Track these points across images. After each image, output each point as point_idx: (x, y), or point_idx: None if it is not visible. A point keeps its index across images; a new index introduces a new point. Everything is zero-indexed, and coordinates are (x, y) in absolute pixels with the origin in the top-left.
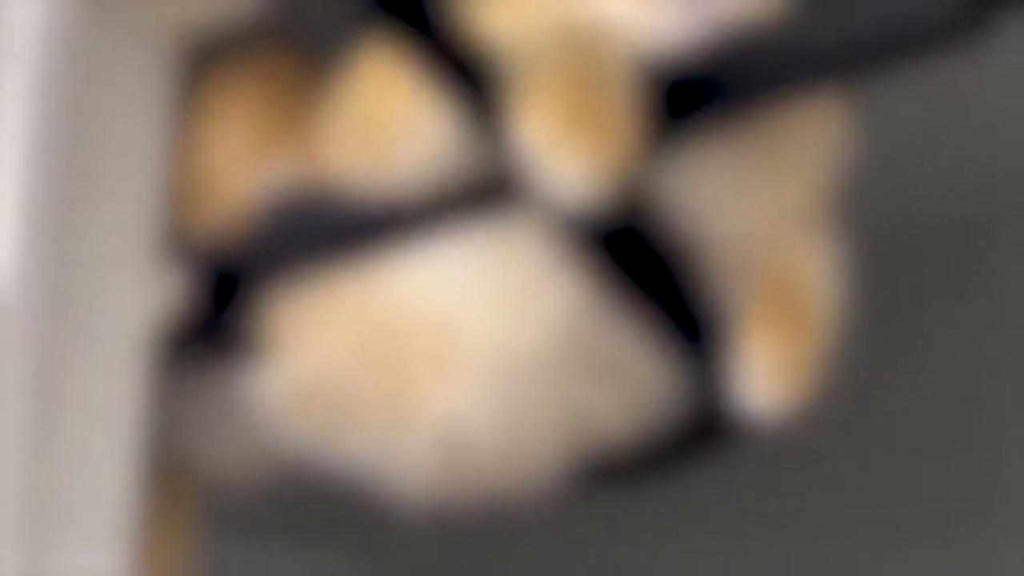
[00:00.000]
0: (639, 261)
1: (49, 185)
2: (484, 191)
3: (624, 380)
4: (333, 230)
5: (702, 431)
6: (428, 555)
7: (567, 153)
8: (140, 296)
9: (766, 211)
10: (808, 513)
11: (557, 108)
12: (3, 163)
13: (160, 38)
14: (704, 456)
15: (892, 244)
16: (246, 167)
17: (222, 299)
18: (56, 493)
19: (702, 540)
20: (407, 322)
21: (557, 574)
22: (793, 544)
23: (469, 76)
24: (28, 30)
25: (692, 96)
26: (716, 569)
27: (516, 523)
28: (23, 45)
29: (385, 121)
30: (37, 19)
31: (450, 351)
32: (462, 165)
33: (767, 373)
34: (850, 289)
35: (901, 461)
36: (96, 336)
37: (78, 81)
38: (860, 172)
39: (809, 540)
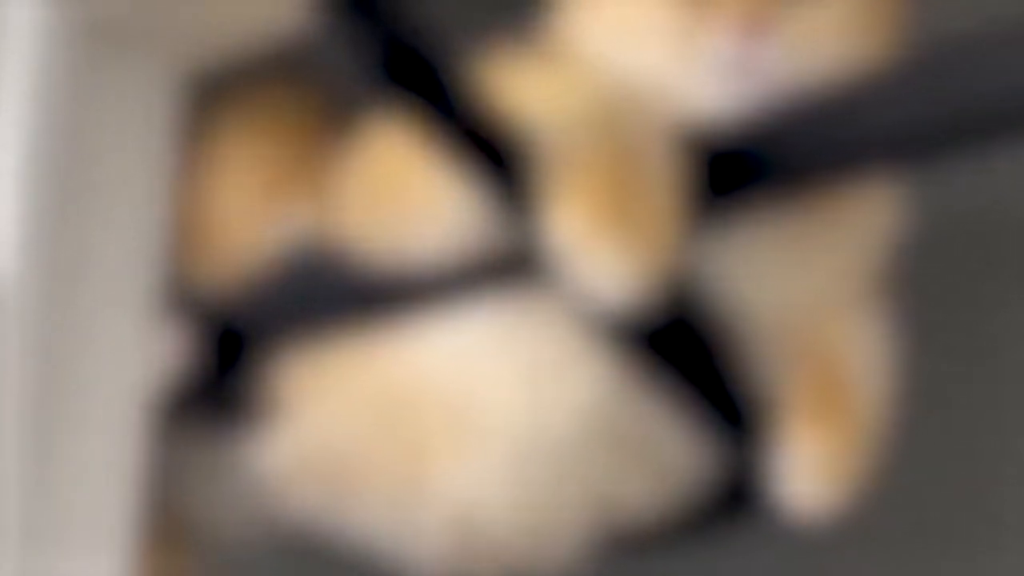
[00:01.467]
0: (675, 343)
1: (45, 228)
2: (509, 266)
3: (652, 463)
4: (346, 292)
5: (733, 510)
6: None
7: (602, 251)
8: (138, 351)
9: (812, 290)
10: None
11: (591, 200)
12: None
13: (165, 73)
14: (730, 532)
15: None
16: (254, 213)
17: (226, 356)
18: (50, 553)
19: None
20: (423, 395)
21: None
22: None
23: (491, 150)
24: (31, 63)
25: (738, 171)
26: None
27: None
28: (25, 79)
29: (401, 192)
30: (40, 54)
31: (468, 428)
32: (485, 239)
33: (812, 471)
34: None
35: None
36: (91, 394)
37: (78, 119)
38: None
39: None
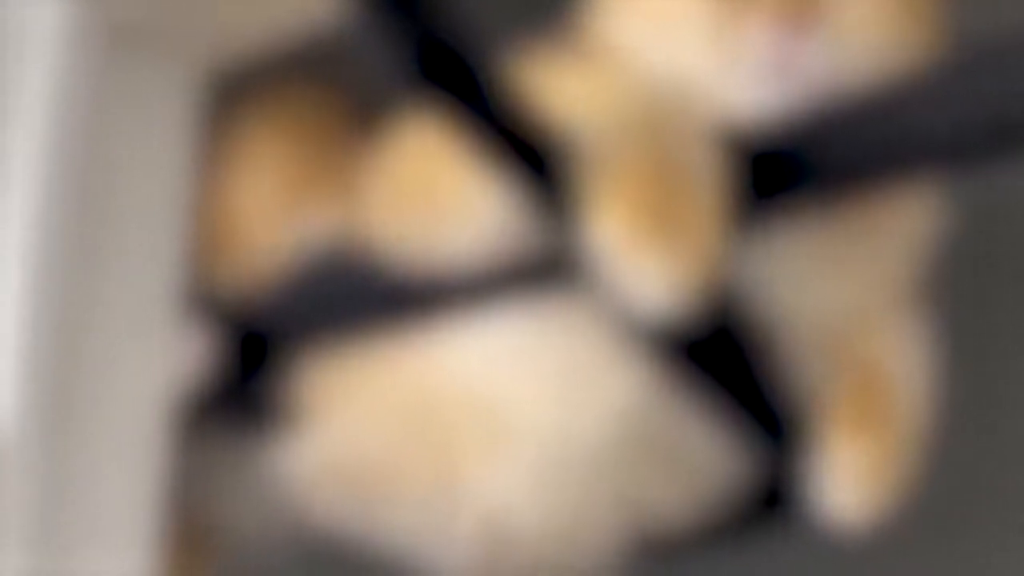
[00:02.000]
0: (713, 349)
1: (65, 232)
2: (542, 269)
3: (684, 470)
4: (373, 295)
5: (770, 518)
6: None
7: (645, 260)
8: (162, 355)
9: (853, 297)
10: None
11: (633, 204)
12: (21, 203)
13: (185, 76)
14: (762, 539)
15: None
16: (278, 214)
17: (250, 360)
18: (74, 556)
19: None
20: (453, 399)
21: None
22: None
23: (527, 151)
24: (51, 65)
25: (779, 172)
26: None
27: None
28: (45, 81)
29: (432, 193)
30: (58, 59)
31: (497, 432)
32: (518, 241)
33: (854, 480)
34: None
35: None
36: (116, 398)
37: (99, 120)
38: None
39: None
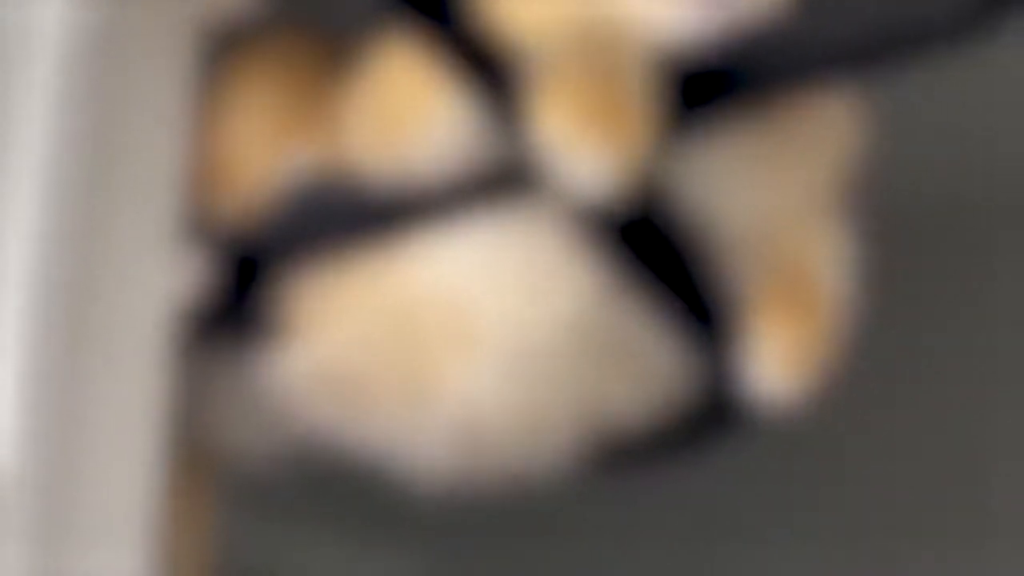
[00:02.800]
0: (653, 249)
1: (72, 174)
2: (502, 180)
3: (637, 365)
4: (352, 215)
5: (713, 417)
6: (443, 536)
7: (585, 146)
8: (162, 281)
9: (779, 200)
10: (814, 506)
11: (575, 102)
12: (29, 153)
13: (180, 25)
14: (714, 443)
15: (902, 232)
16: (267, 153)
17: (243, 283)
18: (79, 487)
19: (709, 532)
20: (425, 306)
21: (568, 561)
22: (799, 537)
23: (487, 67)
24: (48, 23)
25: (708, 87)
26: (722, 562)
27: (530, 506)
28: (43, 36)
29: (404, 110)
30: (56, 10)
31: (467, 334)
32: (480, 154)
33: (778, 358)
34: (861, 276)
35: (905, 457)
36: (118, 321)
37: (97, 71)
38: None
39: (815, 534)
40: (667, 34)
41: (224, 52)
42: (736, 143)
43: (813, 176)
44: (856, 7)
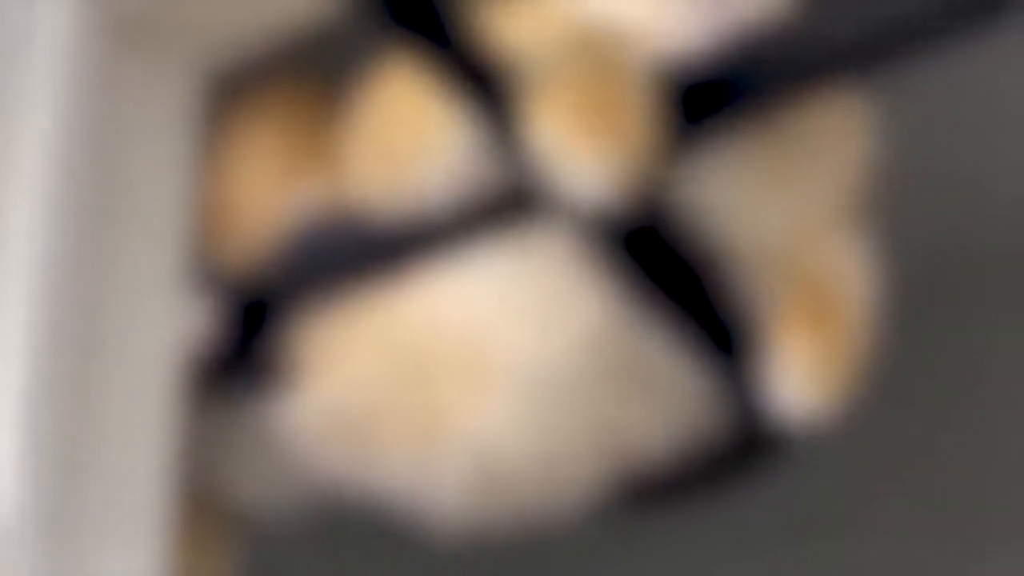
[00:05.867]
0: (667, 270)
1: (79, 214)
2: (507, 204)
3: (657, 392)
4: (359, 252)
5: (742, 445)
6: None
7: (582, 152)
8: (170, 324)
9: (793, 212)
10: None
11: (571, 108)
12: (30, 185)
13: (185, 70)
14: (745, 475)
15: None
16: (273, 195)
17: (251, 327)
18: (83, 534)
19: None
20: (436, 342)
21: None
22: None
23: (487, 86)
24: (54, 65)
25: (711, 99)
26: None
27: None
28: (49, 79)
29: (404, 135)
30: (63, 55)
31: (481, 368)
32: (483, 176)
33: (803, 371)
34: (882, 287)
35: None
36: (124, 366)
37: (103, 116)
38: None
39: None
40: (666, 44)
41: (230, 95)
42: (745, 154)
43: (827, 183)
44: (856, 4)
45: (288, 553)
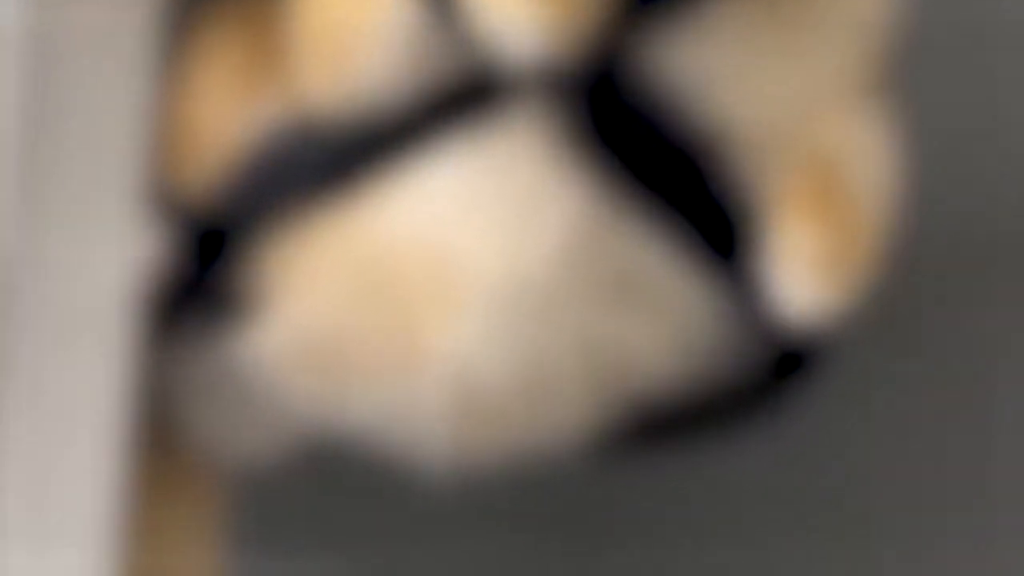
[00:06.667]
0: (651, 158)
1: (25, 140)
2: (463, 91)
3: (650, 302)
4: (315, 166)
5: (756, 366)
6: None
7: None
8: (122, 257)
9: (797, 84)
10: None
11: None
12: None
13: None
14: (768, 401)
15: None
16: (230, 115)
17: (210, 254)
18: (31, 483)
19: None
20: (401, 256)
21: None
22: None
23: None
24: None
25: None
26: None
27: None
28: None
29: (342, 23)
30: None
31: (450, 283)
32: (432, 61)
33: (806, 268)
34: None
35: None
36: (76, 298)
37: (53, 26)
38: None
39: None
40: None
41: (184, 14)
42: (735, 13)
43: (836, 50)
44: None
45: (280, 501)
